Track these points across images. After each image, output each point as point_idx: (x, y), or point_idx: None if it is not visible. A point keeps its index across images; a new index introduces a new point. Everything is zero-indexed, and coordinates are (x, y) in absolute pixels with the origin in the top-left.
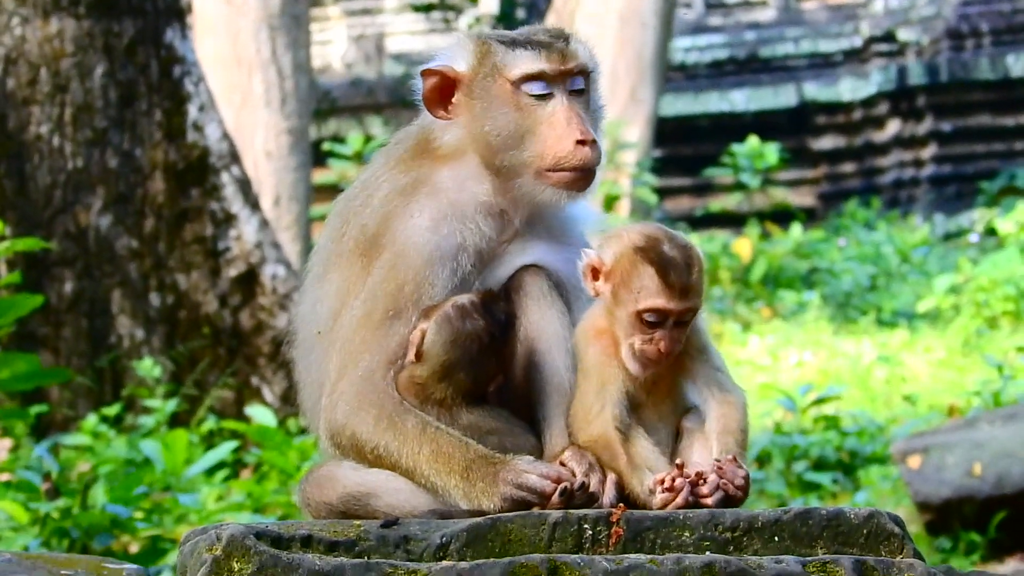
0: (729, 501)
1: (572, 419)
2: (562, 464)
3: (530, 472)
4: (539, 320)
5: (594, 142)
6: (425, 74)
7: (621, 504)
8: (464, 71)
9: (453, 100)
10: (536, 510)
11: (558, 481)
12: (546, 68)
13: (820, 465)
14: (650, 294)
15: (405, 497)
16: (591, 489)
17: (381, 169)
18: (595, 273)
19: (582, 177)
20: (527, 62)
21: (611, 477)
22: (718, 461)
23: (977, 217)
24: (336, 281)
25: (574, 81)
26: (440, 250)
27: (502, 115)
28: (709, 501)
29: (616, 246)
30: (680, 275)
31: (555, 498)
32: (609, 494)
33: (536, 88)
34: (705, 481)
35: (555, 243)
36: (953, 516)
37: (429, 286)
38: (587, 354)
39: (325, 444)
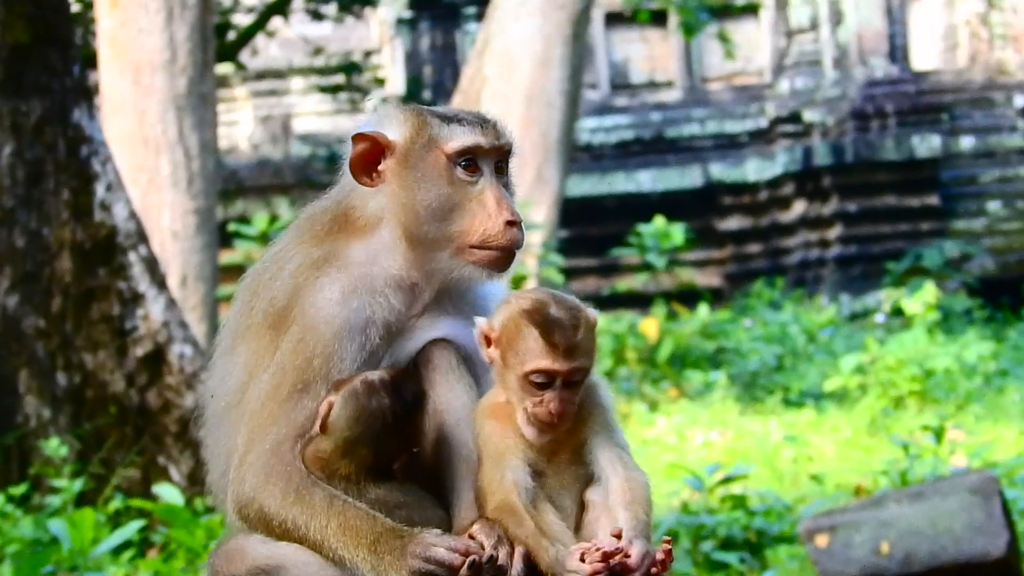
0: None
1: (477, 493)
2: (471, 537)
3: (438, 545)
4: (447, 394)
5: (520, 224)
6: (356, 139)
7: None
8: (397, 140)
9: (379, 168)
10: None
11: (466, 554)
12: (482, 143)
13: (727, 544)
14: (534, 355)
15: (314, 571)
16: (499, 562)
17: (292, 243)
18: (487, 340)
19: (505, 257)
20: (464, 136)
21: (519, 549)
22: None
23: (883, 297)
24: (244, 354)
25: (499, 161)
26: (349, 324)
27: (434, 187)
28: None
29: (504, 312)
30: (565, 335)
31: (464, 571)
32: (517, 566)
33: (468, 164)
34: (628, 555)
35: (464, 318)
36: None
37: (338, 360)
38: (484, 428)
39: (233, 517)
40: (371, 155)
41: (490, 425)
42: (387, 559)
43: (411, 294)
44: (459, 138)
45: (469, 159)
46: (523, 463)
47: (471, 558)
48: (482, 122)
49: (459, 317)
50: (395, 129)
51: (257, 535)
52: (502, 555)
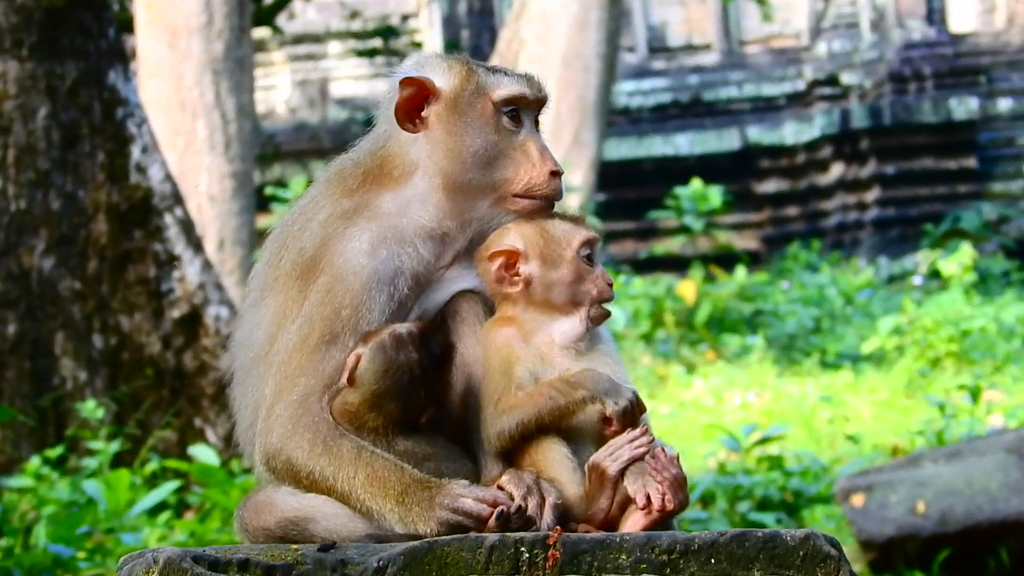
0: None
1: (483, 415)
2: (499, 487)
3: (466, 496)
4: (475, 346)
5: (562, 176)
6: (404, 83)
7: (558, 527)
8: (444, 86)
9: (423, 114)
10: (473, 533)
11: (494, 505)
12: (527, 93)
13: (764, 505)
14: (573, 232)
15: (343, 522)
16: (528, 512)
17: (321, 195)
18: (511, 261)
19: (546, 208)
20: (510, 86)
21: (549, 500)
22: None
23: (920, 259)
24: (272, 306)
25: (537, 115)
26: (378, 274)
27: (480, 134)
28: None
29: (514, 231)
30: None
31: (492, 522)
32: (547, 517)
33: (512, 113)
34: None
35: None
36: (896, 554)
37: (367, 311)
38: (493, 340)
39: (260, 469)
40: (416, 100)
41: (500, 335)
42: (415, 510)
43: (441, 244)
44: (506, 87)
45: (513, 109)
46: (530, 373)
47: (499, 508)
48: (524, 74)
49: None
50: (442, 76)
51: (286, 487)
52: (531, 505)
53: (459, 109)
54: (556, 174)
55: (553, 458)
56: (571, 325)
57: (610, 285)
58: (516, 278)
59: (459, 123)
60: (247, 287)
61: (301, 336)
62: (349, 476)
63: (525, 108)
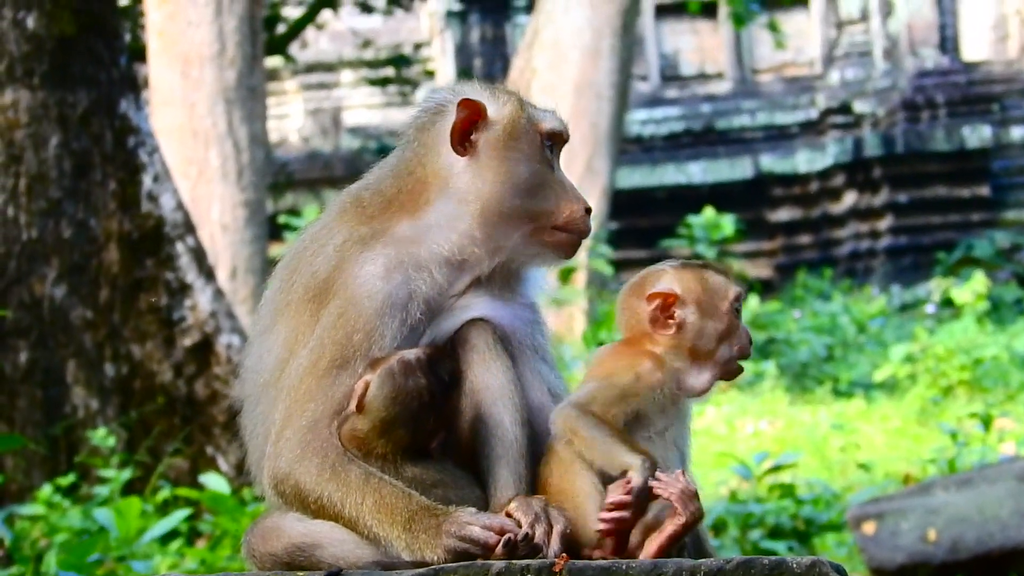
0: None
1: (571, 398)
2: (508, 515)
3: (473, 524)
4: (484, 374)
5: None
6: (463, 104)
7: (565, 554)
8: (496, 114)
9: (472, 138)
10: (479, 560)
11: (501, 532)
12: (563, 130)
13: (775, 533)
14: (727, 286)
15: (350, 548)
16: (535, 540)
17: (336, 221)
18: (668, 304)
19: (577, 243)
20: (552, 121)
21: (556, 528)
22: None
23: (933, 287)
24: (283, 331)
25: (560, 151)
26: (391, 299)
27: (531, 163)
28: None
29: (673, 275)
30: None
31: (499, 549)
32: (554, 545)
33: (552, 147)
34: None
35: (502, 299)
36: None
37: (379, 336)
38: (627, 363)
39: (269, 493)
40: (467, 124)
41: (642, 365)
42: (422, 537)
43: (459, 271)
44: (549, 121)
45: (551, 144)
46: (634, 413)
47: (506, 536)
48: (554, 111)
49: (497, 298)
50: (494, 104)
51: (293, 513)
52: (538, 533)
53: (513, 136)
54: (588, 211)
55: (581, 487)
56: (703, 378)
57: (751, 343)
58: (671, 321)
59: (512, 150)
60: (257, 314)
61: (312, 360)
62: (356, 502)
63: (558, 144)
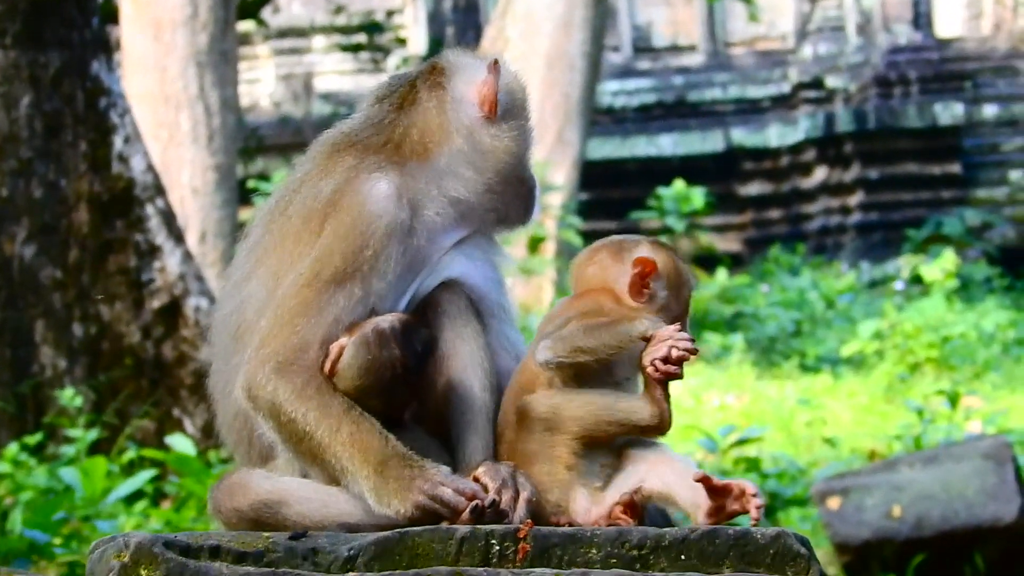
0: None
1: (551, 330)
2: (476, 479)
3: (446, 485)
4: (455, 340)
5: None
6: (493, 67)
7: (529, 520)
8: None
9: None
10: (444, 524)
11: (472, 498)
12: None
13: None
14: (690, 280)
15: (315, 507)
16: (502, 506)
17: (333, 155)
18: (647, 273)
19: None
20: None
21: (523, 495)
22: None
23: (903, 264)
24: (274, 265)
25: None
26: (401, 224)
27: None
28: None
29: (649, 248)
30: None
31: (465, 515)
32: (520, 511)
33: None
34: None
35: (474, 259)
36: (872, 558)
37: (386, 257)
38: (583, 301)
39: (239, 396)
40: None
41: (599, 300)
42: (392, 484)
43: (457, 221)
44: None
45: None
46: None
47: (474, 502)
48: None
49: (472, 259)
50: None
51: (260, 470)
52: (505, 499)
53: (527, 109)
54: None
55: (551, 453)
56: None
57: (692, 343)
58: (646, 291)
59: (528, 120)
60: (230, 269)
61: (314, 271)
62: (332, 428)
63: None
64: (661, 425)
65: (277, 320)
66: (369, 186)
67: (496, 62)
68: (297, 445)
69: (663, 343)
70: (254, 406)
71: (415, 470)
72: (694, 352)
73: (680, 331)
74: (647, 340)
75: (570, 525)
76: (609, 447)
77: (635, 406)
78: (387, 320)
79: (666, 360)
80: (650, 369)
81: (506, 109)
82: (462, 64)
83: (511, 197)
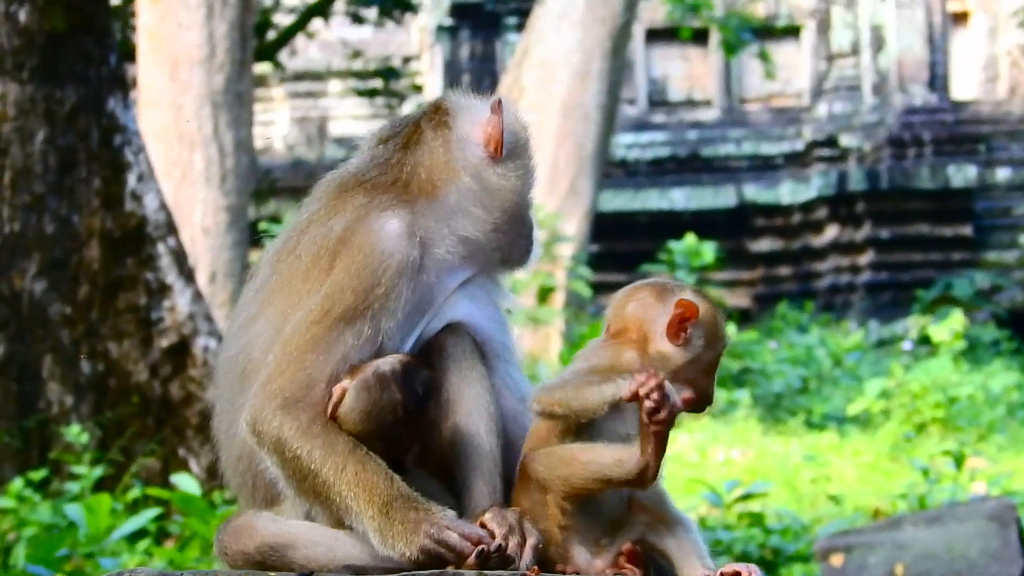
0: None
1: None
2: (482, 525)
3: (452, 530)
4: (459, 383)
5: None
6: (496, 108)
7: (535, 567)
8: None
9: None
10: (450, 569)
11: (478, 543)
12: None
13: (743, 560)
14: (723, 338)
15: (322, 551)
16: (508, 551)
17: (340, 195)
18: (686, 318)
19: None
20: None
21: (530, 541)
22: None
23: (911, 324)
24: (281, 305)
25: None
26: (412, 262)
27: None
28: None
29: (692, 293)
30: None
31: (471, 560)
32: (526, 558)
33: None
34: None
35: (478, 300)
36: None
37: (396, 295)
38: (603, 354)
39: (243, 430)
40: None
41: (619, 353)
42: (397, 527)
43: (465, 260)
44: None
45: None
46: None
47: (480, 547)
48: None
49: (476, 300)
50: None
51: (267, 512)
52: (511, 545)
53: (530, 152)
54: None
55: (552, 515)
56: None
57: (711, 397)
58: (683, 334)
59: (531, 160)
60: (236, 310)
61: (324, 308)
62: (337, 466)
63: None
64: (641, 478)
65: (285, 356)
66: (381, 223)
67: (499, 102)
68: (301, 483)
69: (651, 397)
70: (258, 441)
71: (421, 513)
72: (679, 409)
73: (671, 385)
74: (616, 406)
75: (576, 574)
76: (613, 499)
77: (623, 458)
78: (388, 363)
79: (651, 414)
80: (644, 420)
81: (511, 149)
82: (466, 104)
83: (515, 236)
